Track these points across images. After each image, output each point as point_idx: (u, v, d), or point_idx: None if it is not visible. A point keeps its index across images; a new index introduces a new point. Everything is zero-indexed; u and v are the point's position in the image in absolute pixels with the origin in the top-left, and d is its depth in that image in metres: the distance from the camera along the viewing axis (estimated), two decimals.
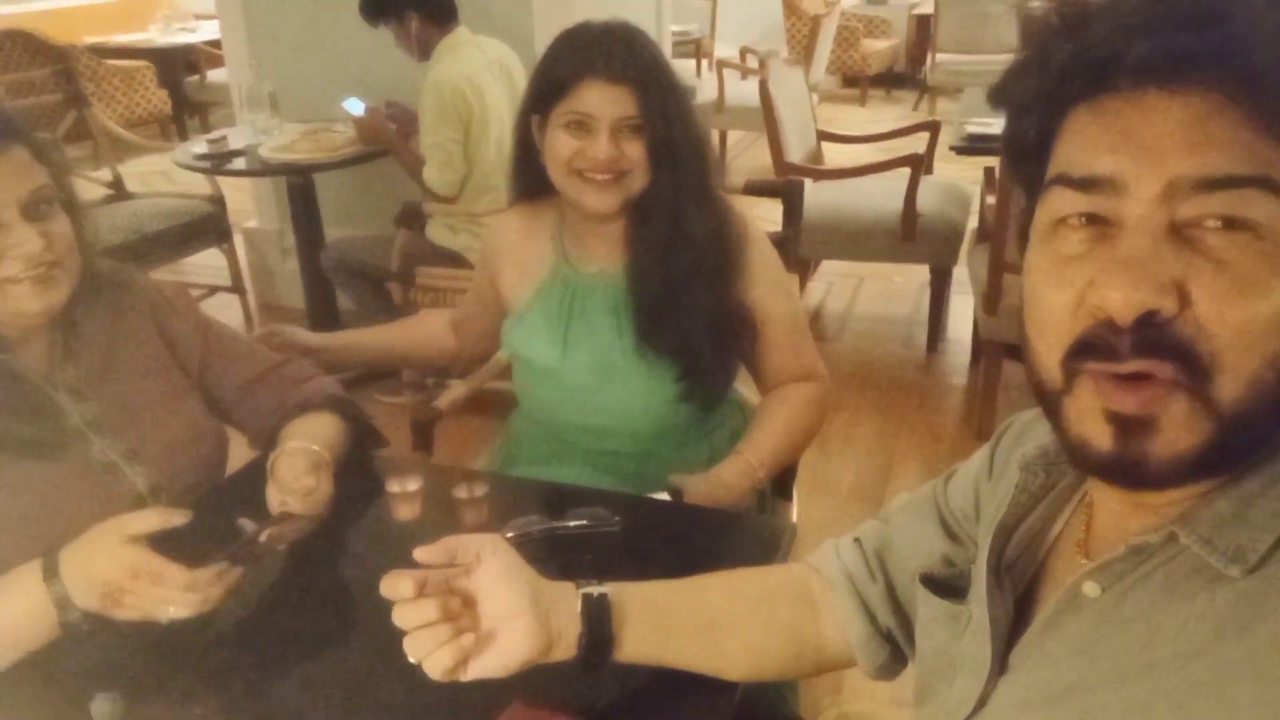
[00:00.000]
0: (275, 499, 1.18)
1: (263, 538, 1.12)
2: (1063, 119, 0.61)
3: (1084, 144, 0.59)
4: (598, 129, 1.35)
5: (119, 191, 3.77)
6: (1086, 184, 0.59)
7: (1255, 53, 0.54)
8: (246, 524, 1.14)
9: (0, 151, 1.09)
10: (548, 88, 1.38)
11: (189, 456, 1.29)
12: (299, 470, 1.19)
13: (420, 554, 0.86)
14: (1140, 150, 0.56)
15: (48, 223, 1.14)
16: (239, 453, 1.41)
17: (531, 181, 1.49)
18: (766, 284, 1.48)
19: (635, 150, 1.36)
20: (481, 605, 0.85)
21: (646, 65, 1.36)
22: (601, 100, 1.34)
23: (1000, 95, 0.65)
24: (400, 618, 0.81)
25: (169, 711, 0.98)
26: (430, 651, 0.81)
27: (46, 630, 1.04)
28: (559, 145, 1.37)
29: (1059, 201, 0.61)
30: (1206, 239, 0.55)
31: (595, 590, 0.90)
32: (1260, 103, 0.54)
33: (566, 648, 0.88)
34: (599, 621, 0.89)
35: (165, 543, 1.08)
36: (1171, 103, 0.56)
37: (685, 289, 1.41)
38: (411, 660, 0.82)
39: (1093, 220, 0.59)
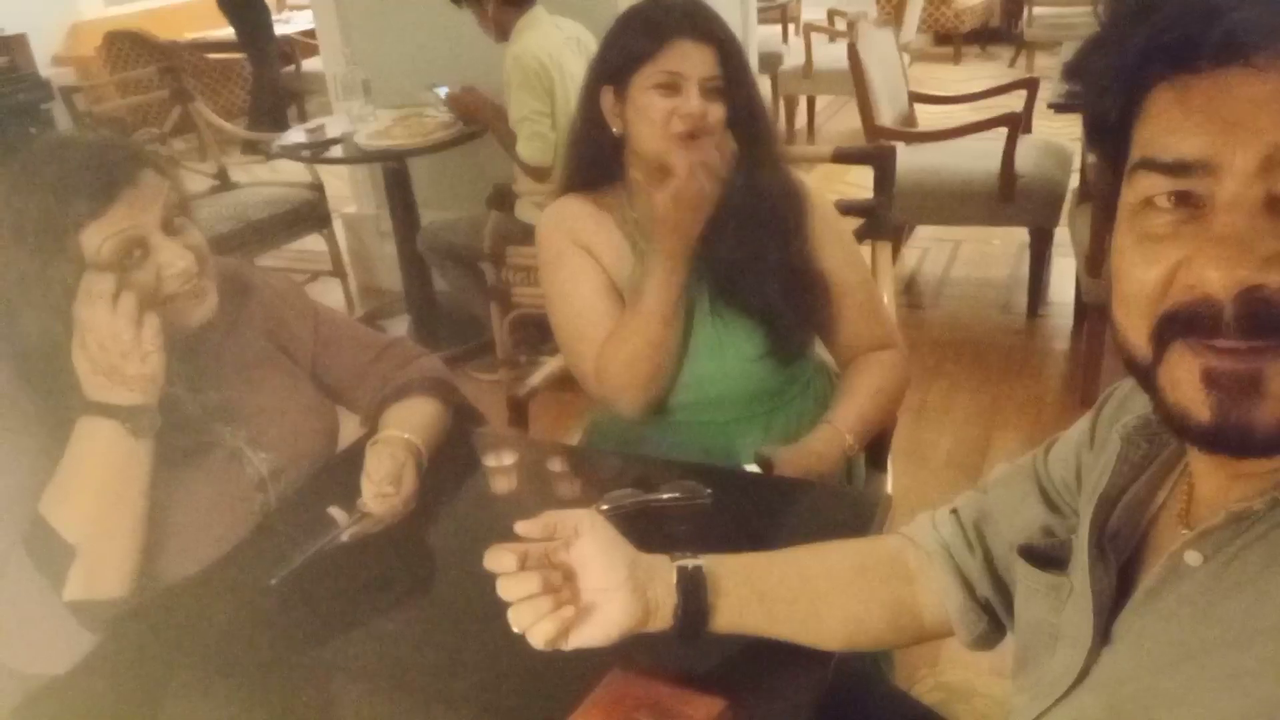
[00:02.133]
0: (365, 485, 1.22)
1: (344, 537, 1.18)
2: (1144, 99, 0.60)
3: (1169, 126, 0.58)
4: (687, 87, 1.38)
5: (224, 182, 3.92)
6: (1176, 169, 0.57)
7: None
8: (336, 513, 1.19)
9: (134, 178, 1.14)
10: (628, 55, 1.40)
11: (305, 440, 1.34)
12: (383, 472, 1.21)
13: (521, 528, 0.88)
14: (1230, 128, 0.54)
15: (185, 235, 1.19)
16: (351, 429, 1.46)
17: (595, 164, 1.49)
18: (834, 252, 1.50)
19: (717, 110, 1.39)
20: (581, 578, 0.88)
21: (726, 29, 1.41)
22: (689, 57, 1.37)
23: (1077, 72, 0.64)
24: (504, 590, 0.84)
25: (266, 676, 1.04)
26: (533, 623, 0.84)
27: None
28: (653, 108, 1.39)
29: (1146, 184, 0.59)
30: None
31: (690, 563, 0.92)
32: None
33: (663, 619, 0.90)
34: (694, 593, 0.90)
35: (268, 524, 1.14)
36: (1258, 78, 0.54)
37: (761, 249, 1.43)
38: (515, 630, 0.85)
39: (1182, 199, 0.57)
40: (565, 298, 1.49)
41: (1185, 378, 0.57)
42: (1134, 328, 0.60)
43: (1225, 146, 0.55)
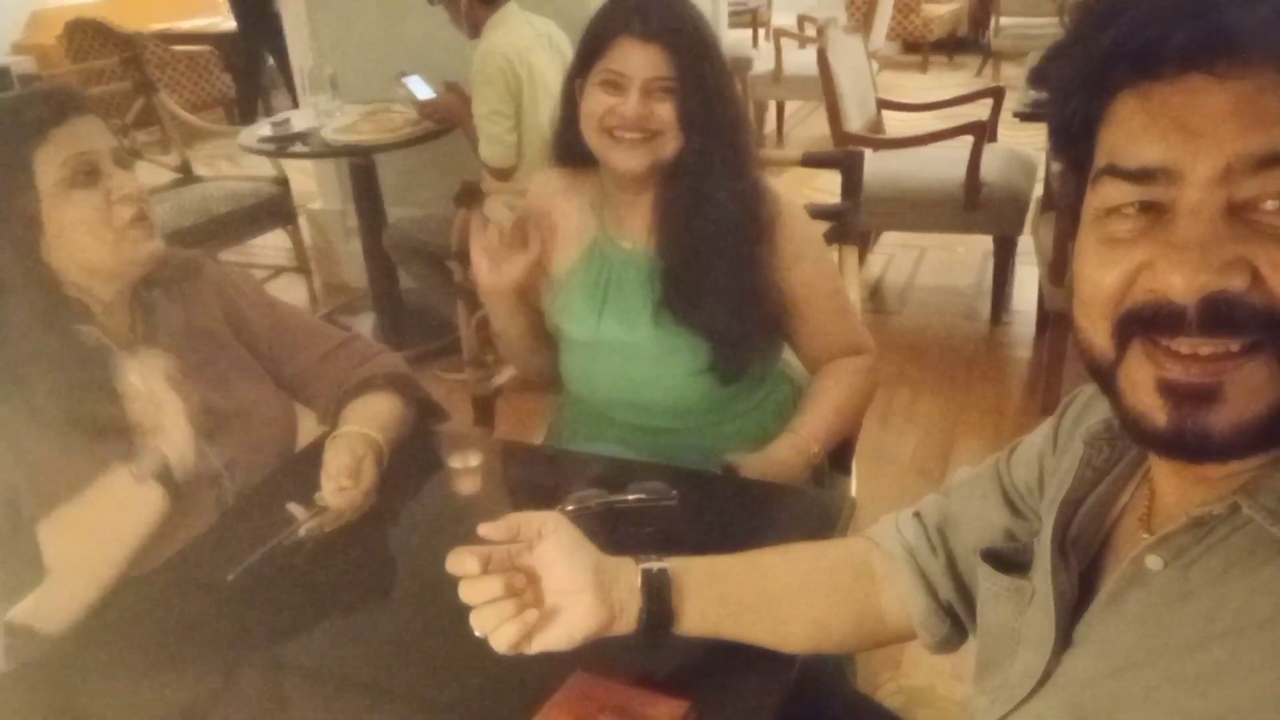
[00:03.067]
0: (324, 483, 1.22)
1: (302, 532, 1.17)
2: (1108, 105, 0.60)
3: (1133, 133, 0.58)
4: (629, 87, 1.34)
5: (187, 175, 3.86)
6: (1139, 175, 0.57)
7: None
8: (295, 509, 1.18)
9: (83, 112, 1.19)
10: (586, 48, 1.40)
11: (261, 434, 1.33)
12: (340, 465, 1.21)
13: (484, 530, 0.88)
14: (1192, 137, 0.55)
15: (132, 172, 1.22)
16: (311, 428, 1.44)
17: (572, 146, 1.47)
18: (802, 261, 1.46)
19: (666, 111, 1.35)
20: (545, 581, 0.87)
21: (682, 26, 1.35)
22: (633, 58, 1.34)
23: (1042, 78, 0.64)
24: (467, 593, 0.84)
25: (232, 680, 1.02)
26: (496, 626, 0.83)
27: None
28: (592, 103, 1.37)
29: (1110, 191, 0.59)
30: (1269, 220, 0.54)
31: (655, 566, 0.91)
32: None
33: (628, 622, 0.90)
34: (659, 597, 0.90)
35: (226, 520, 1.12)
36: (1219, 85, 0.54)
37: (712, 262, 1.40)
38: (478, 634, 0.84)
39: (1145, 207, 0.58)
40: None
41: (1143, 382, 0.58)
42: (1095, 329, 0.61)
43: (1187, 154, 0.55)
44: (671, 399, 1.47)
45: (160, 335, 1.27)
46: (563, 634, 0.87)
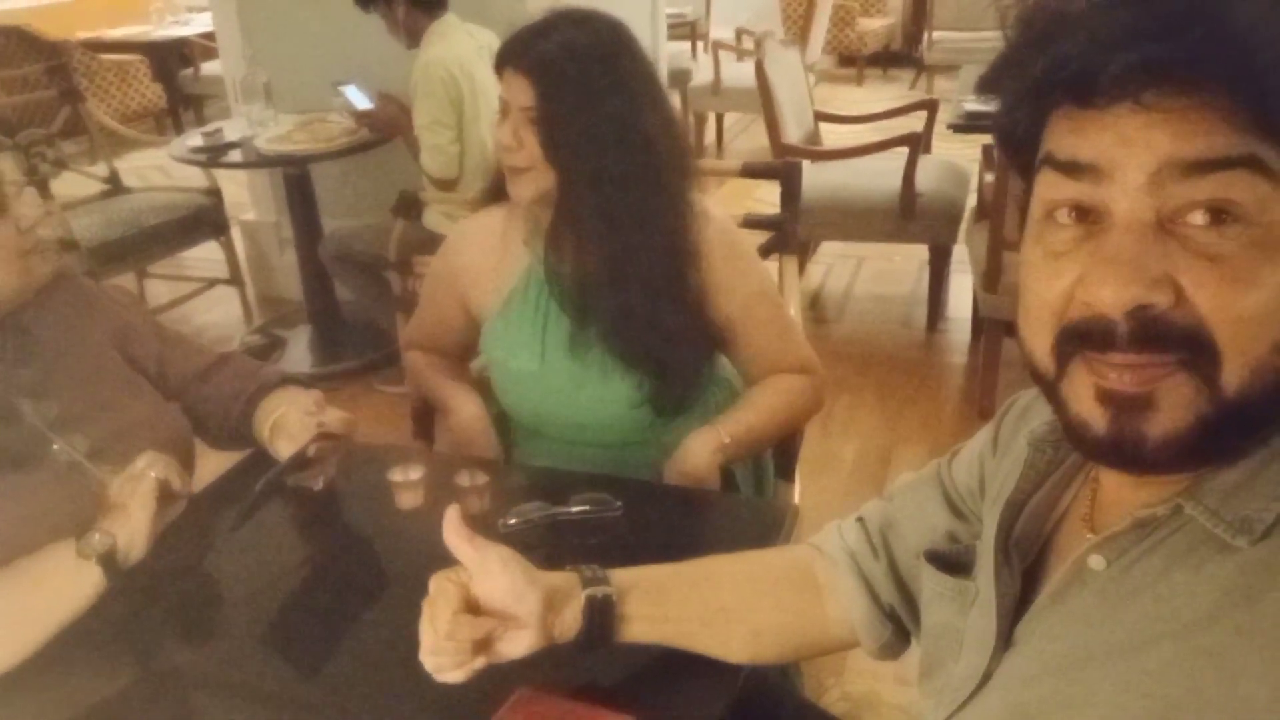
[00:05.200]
0: (292, 449, 1.22)
1: (310, 452, 1.18)
2: (1048, 116, 0.61)
3: (1069, 130, 0.59)
4: (509, 115, 1.37)
5: (115, 186, 3.76)
6: (1072, 168, 0.59)
7: (1229, 54, 0.54)
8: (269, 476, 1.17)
9: None
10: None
11: (155, 449, 1.29)
12: (307, 407, 1.25)
13: (449, 528, 0.87)
14: (1123, 140, 0.56)
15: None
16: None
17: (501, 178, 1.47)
18: (740, 283, 1.44)
19: (530, 141, 1.35)
20: (489, 613, 0.87)
21: (551, 56, 1.33)
22: (510, 87, 1.37)
23: (987, 87, 0.65)
24: (432, 662, 0.86)
25: (182, 696, 0.99)
26: (448, 670, 0.86)
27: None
28: (496, 133, 1.41)
29: (1048, 187, 0.61)
30: (1196, 236, 0.55)
31: (600, 592, 0.91)
32: (1237, 101, 0.54)
33: (566, 636, 0.91)
34: (601, 621, 0.91)
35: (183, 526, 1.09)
36: (1147, 111, 0.55)
37: (639, 296, 1.38)
38: (426, 669, 0.86)
39: (1082, 215, 0.59)
40: (423, 298, 1.65)
41: (1084, 393, 0.59)
42: (1037, 342, 0.62)
43: (1118, 154, 0.56)
44: (612, 421, 1.46)
45: (35, 357, 1.23)
46: (500, 658, 0.88)
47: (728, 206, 1.55)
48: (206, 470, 1.38)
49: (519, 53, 1.35)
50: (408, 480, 1.31)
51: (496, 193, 1.51)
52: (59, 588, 1.08)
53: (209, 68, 6.37)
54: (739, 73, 5.36)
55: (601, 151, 1.34)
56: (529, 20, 1.39)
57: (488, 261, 1.50)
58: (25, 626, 1.05)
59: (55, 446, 1.19)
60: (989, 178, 3.08)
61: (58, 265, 1.22)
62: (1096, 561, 0.63)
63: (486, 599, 0.87)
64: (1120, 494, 0.66)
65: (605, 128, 1.34)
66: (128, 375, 1.34)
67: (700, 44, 6.79)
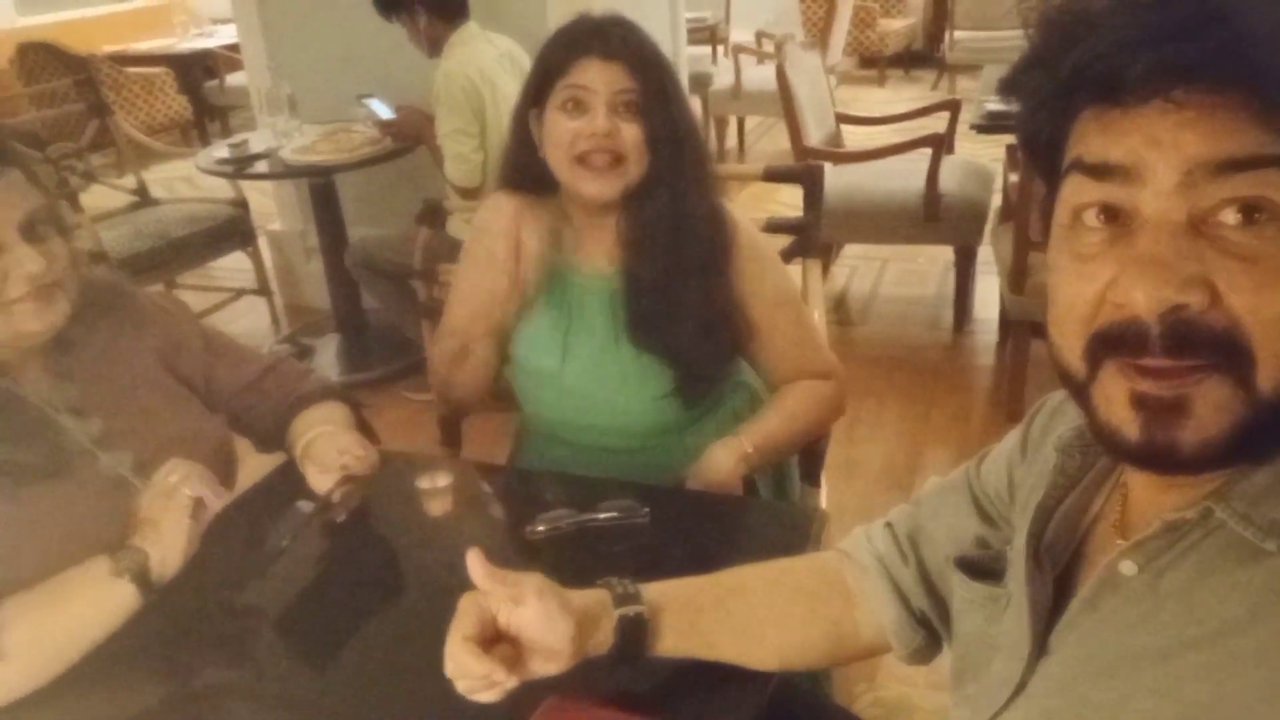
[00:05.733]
0: (322, 480, 1.23)
1: (335, 498, 1.19)
2: (1074, 119, 0.61)
3: (1098, 131, 0.59)
4: (594, 104, 1.32)
5: (143, 198, 3.80)
6: (1101, 170, 0.58)
7: (1258, 53, 0.53)
8: (305, 504, 1.17)
9: None
10: (544, 75, 1.37)
11: (198, 463, 1.30)
12: (340, 443, 1.25)
13: (474, 569, 0.86)
14: (1153, 141, 0.56)
15: (46, 244, 1.15)
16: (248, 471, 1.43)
17: (525, 172, 1.44)
18: (763, 284, 1.45)
19: (632, 132, 1.33)
20: (523, 641, 0.87)
21: (641, 46, 1.35)
22: (598, 75, 1.32)
23: (1010, 89, 0.65)
24: (464, 684, 0.85)
25: (214, 706, 1.00)
26: (479, 691, 0.85)
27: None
28: (558, 129, 1.34)
29: (1076, 190, 0.60)
30: (1228, 236, 0.55)
31: (632, 610, 0.91)
32: (1268, 99, 0.53)
33: (598, 652, 0.91)
34: (632, 640, 0.91)
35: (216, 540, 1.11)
36: (1178, 109, 0.55)
37: (678, 285, 1.38)
38: (459, 690, 0.85)
39: (1110, 217, 0.58)
40: (467, 281, 1.47)
41: (1116, 397, 0.59)
42: (1068, 346, 0.61)
43: (1148, 156, 0.56)
44: (636, 420, 1.46)
45: (78, 373, 1.24)
46: (533, 675, 0.88)
47: (749, 210, 1.56)
48: (247, 471, 1.40)
49: (603, 39, 1.32)
50: (435, 487, 1.31)
51: (516, 183, 1.46)
52: (93, 604, 1.08)
53: (234, 79, 6.44)
54: (760, 76, 5.35)
55: (686, 141, 1.36)
56: (548, 27, 1.39)
57: (519, 241, 1.42)
58: (59, 643, 1.05)
59: (101, 462, 1.20)
60: (1013, 178, 3.05)
61: (62, 315, 1.18)
62: (1128, 567, 0.63)
63: (520, 629, 0.86)
64: (1149, 498, 0.66)
65: (688, 118, 1.38)
66: (173, 389, 1.34)
67: (720, 48, 6.79)
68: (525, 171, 1.44)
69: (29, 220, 1.13)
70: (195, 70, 6.75)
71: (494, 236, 1.41)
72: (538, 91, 1.38)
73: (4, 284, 1.11)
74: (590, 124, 1.32)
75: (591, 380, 1.44)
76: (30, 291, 1.12)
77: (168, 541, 1.13)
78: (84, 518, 1.16)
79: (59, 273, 1.15)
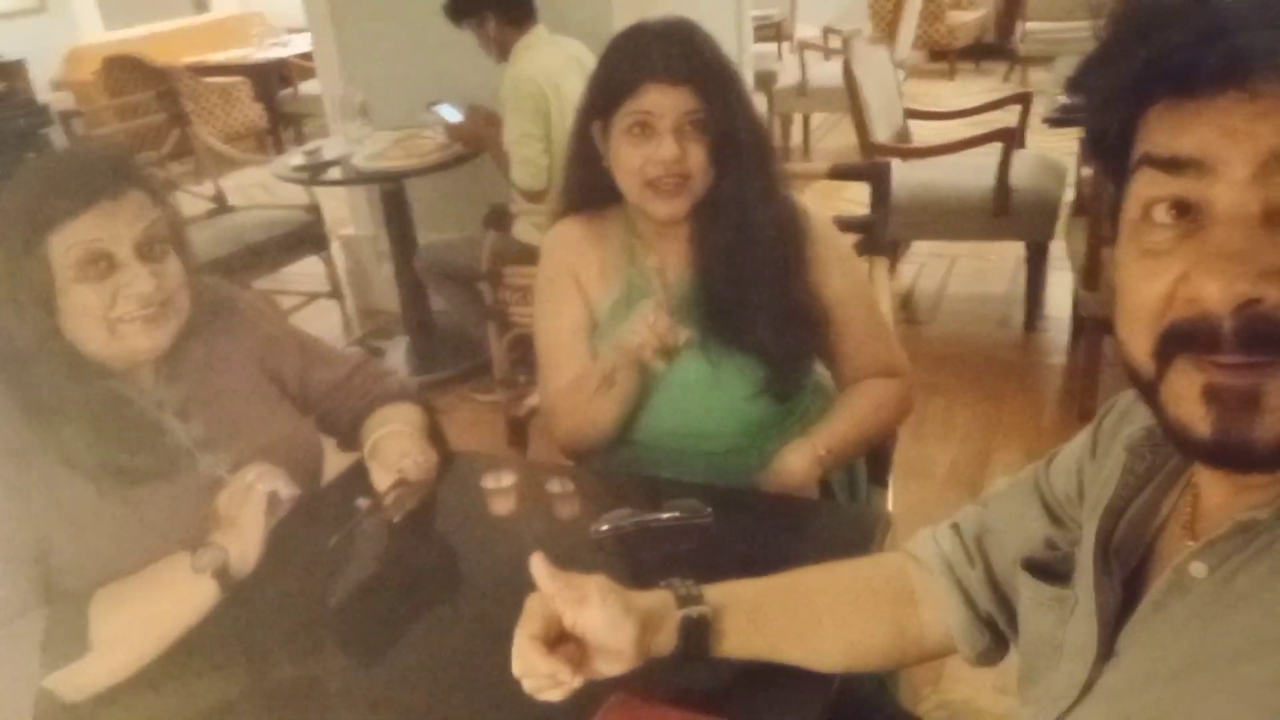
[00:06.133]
0: (383, 478, 1.25)
1: (388, 501, 1.21)
2: (1144, 114, 0.60)
3: (1169, 127, 0.58)
4: (661, 129, 1.33)
5: (221, 205, 3.92)
6: (1173, 164, 0.57)
7: None
8: (363, 502, 1.20)
9: (119, 194, 1.15)
10: (609, 91, 1.37)
11: (290, 467, 1.34)
12: (403, 445, 1.28)
13: (537, 572, 0.87)
14: (1228, 132, 0.55)
15: (160, 263, 1.18)
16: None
17: (592, 189, 1.46)
18: (836, 275, 1.45)
19: (698, 152, 1.34)
20: (587, 642, 0.88)
21: (705, 62, 1.34)
22: (663, 100, 1.32)
23: (1078, 87, 0.64)
24: (530, 682, 0.86)
25: (284, 701, 1.03)
26: (545, 690, 0.86)
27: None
28: (625, 155, 1.36)
29: (1146, 185, 0.59)
30: None
31: (695, 611, 0.92)
32: None
33: (661, 653, 0.91)
34: (696, 641, 0.91)
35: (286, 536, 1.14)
36: (1253, 100, 0.54)
37: (755, 287, 1.39)
38: (526, 689, 0.86)
39: (1182, 212, 0.58)
40: (544, 327, 1.52)
41: (1187, 393, 0.58)
42: (1137, 343, 0.60)
43: (1222, 150, 0.55)
44: (728, 426, 1.45)
45: (184, 376, 1.28)
46: (598, 675, 0.89)
47: (816, 208, 1.55)
48: (331, 471, 1.44)
49: (671, 64, 1.32)
50: (500, 487, 1.34)
51: (581, 201, 1.51)
52: (177, 600, 1.12)
53: (307, 87, 6.59)
54: (826, 72, 5.31)
55: (751, 148, 1.38)
56: (638, 22, 1.38)
57: (590, 266, 1.49)
58: (143, 638, 1.09)
59: (200, 464, 1.25)
60: (1087, 171, 2.99)
61: (166, 339, 1.21)
62: (1198, 569, 0.61)
63: (585, 630, 0.87)
64: (1220, 498, 0.64)
65: (753, 123, 1.39)
66: (269, 392, 1.38)
67: (786, 45, 6.75)
68: (588, 188, 1.47)
69: (146, 239, 1.16)
70: (271, 79, 6.92)
71: (552, 266, 1.50)
72: (602, 105, 1.39)
73: (114, 302, 1.14)
74: (659, 150, 1.33)
75: (677, 388, 1.44)
76: (139, 311, 1.16)
77: (246, 539, 1.16)
78: (185, 518, 1.20)
79: (170, 290, 1.19)
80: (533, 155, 2.86)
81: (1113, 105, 0.62)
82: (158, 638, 1.10)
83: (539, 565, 0.87)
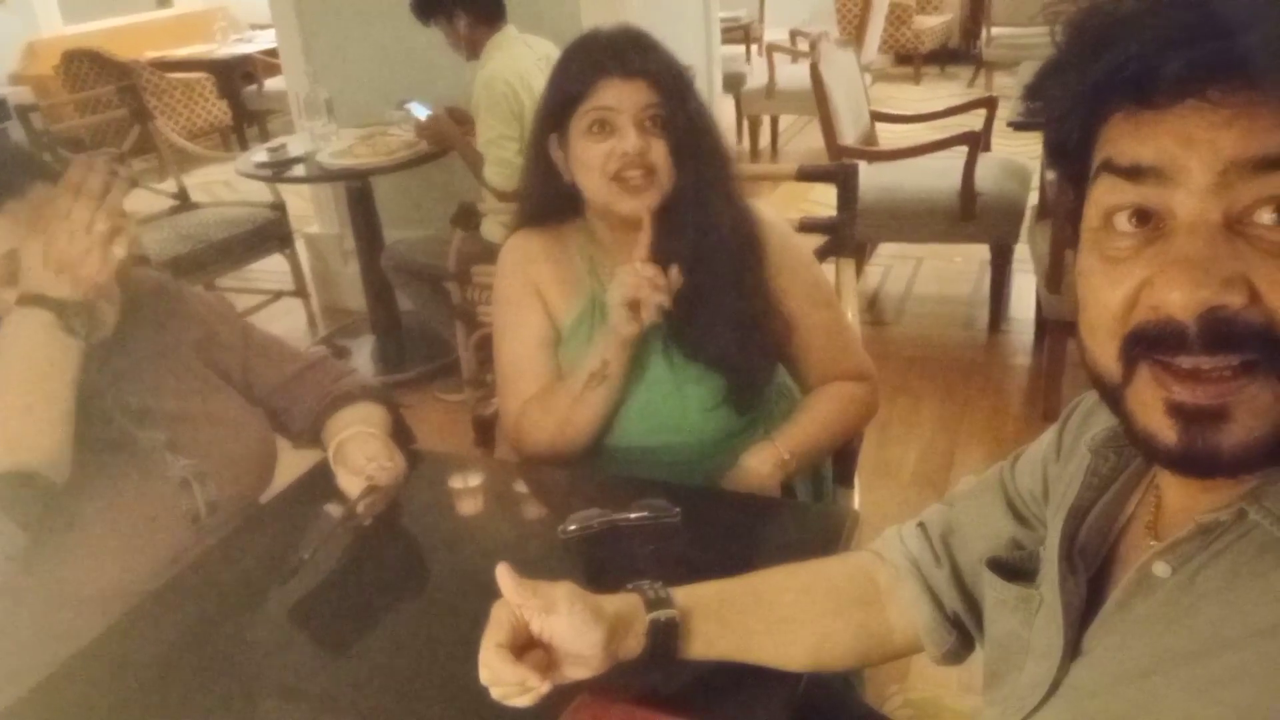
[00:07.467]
0: (351, 483, 1.24)
1: (359, 508, 1.20)
2: (1103, 121, 0.60)
3: (1129, 135, 0.58)
4: (621, 123, 1.32)
5: (184, 202, 3.87)
6: (1134, 173, 0.58)
7: None
8: (333, 508, 1.19)
9: (21, 191, 1.15)
10: (563, 98, 1.36)
11: (235, 446, 1.33)
12: (369, 448, 1.26)
13: (503, 582, 0.86)
14: (1188, 141, 0.55)
15: None
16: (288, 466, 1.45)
17: (550, 203, 1.45)
18: (795, 287, 1.45)
19: (660, 146, 1.33)
20: (555, 649, 0.87)
21: (659, 59, 1.34)
22: (620, 94, 1.32)
23: (1037, 94, 0.64)
24: (498, 690, 0.85)
25: (249, 706, 1.01)
26: (514, 697, 0.85)
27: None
28: (588, 153, 1.34)
29: (1107, 192, 0.60)
30: (1265, 235, 0.54)
31: (663, 615, 0.91)
32: None
33: (630, 656, 0.91)
34: (665, 644, 0.91)
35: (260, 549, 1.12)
36: (1213, 108, 0.55)
37: (716, 297, 1.38)
38: (493, 696, 0.86)
39: (1143, 220, 0.58)
40: (505, 338, 1.49)
41: (1152, 403, 0.58)
42: (1101, 350, 0.61)
43: (1182, 156, 0.55)
44: (686, 433, 1.44)
45: (121, 358, 1.27)
46: (565, 680, 0.88)
47: (783, 210, 1.55)
48: (284, 468, 1.42)
49: (620, 58, 1.32)
50: (467, 487, 1.33)
51: (539, 215, 1.49)
52: (36, 347, 1.11)
53: (272, 83, 6.53)
54: (794, 74, 5.33)
55: (710, 150, 1.37)
56: (588, 31, 1.38)
57: (552, 277, 1.47)
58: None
59: (141, 437, 1.24)
60: (1051, 175, 3.02)
61: (120, 305, 1.23)
62: (1161, 569, 0.62)
63: (553, 637, 0.87)
64: (1183, 499, 0.65)
65: (710, 126, 1.38)
66: (211, 379, 1.37)
67: (754, 47, 6.78)
68: (547, 201, 1.45)
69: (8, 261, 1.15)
70: (235, 75, 6.84)
71: (513, 278, 1.48)
72: (557, 118, 1.38)
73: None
74: (621, 143, 1.32)
75: (641, 395, 1.43)
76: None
77: (93, 274, 1.12)
78: (120, 475, 1.21)
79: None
80: (508, 156, 2.84)
81: (1072, 114, 0.62)
82: (46, 395, 1.10)
83: (505, 575, 0.86)
